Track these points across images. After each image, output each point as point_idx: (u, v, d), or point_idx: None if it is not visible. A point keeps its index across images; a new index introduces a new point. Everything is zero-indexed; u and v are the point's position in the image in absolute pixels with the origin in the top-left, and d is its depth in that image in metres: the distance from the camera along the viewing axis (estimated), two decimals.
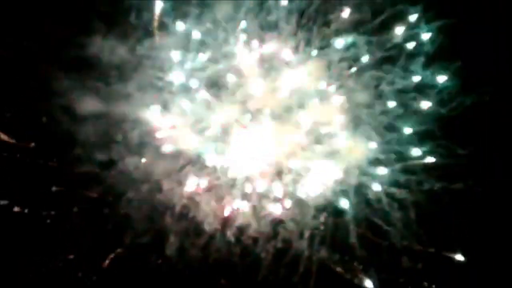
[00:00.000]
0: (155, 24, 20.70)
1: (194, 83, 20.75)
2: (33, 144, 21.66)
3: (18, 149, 21.50)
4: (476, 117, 20.93)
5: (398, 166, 21.94)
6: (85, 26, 20.33)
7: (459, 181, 21.42)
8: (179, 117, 21.07)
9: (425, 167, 21.71)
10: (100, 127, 20.92)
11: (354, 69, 21.16)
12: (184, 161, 21.66)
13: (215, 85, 21.15)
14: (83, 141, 20.94)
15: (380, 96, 21.43)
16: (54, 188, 21.58)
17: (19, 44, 20.75)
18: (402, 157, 21.86)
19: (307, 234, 22.40)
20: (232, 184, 22.02)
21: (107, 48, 20.27)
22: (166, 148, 21.34)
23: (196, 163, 21.77)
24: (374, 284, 22.27)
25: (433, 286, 22.66)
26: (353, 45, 20.81)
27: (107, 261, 21.73)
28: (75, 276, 21.80)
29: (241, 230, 22.11)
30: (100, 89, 20.72)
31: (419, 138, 21.60)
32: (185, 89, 20.99)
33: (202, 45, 20.55)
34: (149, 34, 20.64)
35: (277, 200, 22.10)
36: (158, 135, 21.25)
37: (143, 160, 21.42)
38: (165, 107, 21.03)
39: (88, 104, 20.55)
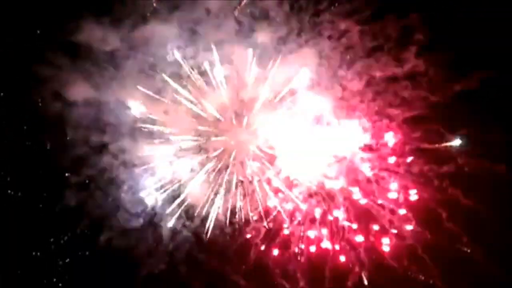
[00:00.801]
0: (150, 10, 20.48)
1: (186, 71, 20.84)
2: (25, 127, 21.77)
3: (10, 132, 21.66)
4: (466, 103, 20.92)
5: (387, 150, 22.19)
6: (78, 10, 19.98)
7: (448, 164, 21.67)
8: (172, 103, 21.18)
9: (415, 151, 21.96)
10: (92, 111, 21.01)
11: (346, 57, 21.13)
12: (178, 146, 21.98)
13: (207, 73, 21.14)
14: (75, 125, 21.08)
15: (372, 84, 21.51)
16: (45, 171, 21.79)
17: (11, 28, 20.49)
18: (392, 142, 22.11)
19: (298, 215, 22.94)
20: (226, 168, 22.43)
21: (101, 34, 20.13)
22: (159, 133, 21.61)
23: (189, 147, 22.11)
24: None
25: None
26: (345, 34, 20.70)
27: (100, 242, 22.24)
28: (66, 258, 22.68)
29: (233, 212, 22.74)
30: (93, 74, 20.69)
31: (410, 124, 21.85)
32: (178, 76, 21.11)
33: (194, 33, 20.46)
34: (143, 20, 20.40)
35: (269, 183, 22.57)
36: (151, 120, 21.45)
37: (135, 144, 21.62)
38: (158, 93, 21.09)
39: (81, 89, 20.60)
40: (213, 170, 22.30)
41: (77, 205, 21.43)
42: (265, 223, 22.92)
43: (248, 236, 23.19)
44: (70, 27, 19.92)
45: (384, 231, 22.74)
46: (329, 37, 20.75)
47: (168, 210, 22.41)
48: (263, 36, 20.38)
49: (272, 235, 23.28)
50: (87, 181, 21.72)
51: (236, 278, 23.04)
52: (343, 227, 22.90)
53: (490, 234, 21.31)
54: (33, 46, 20.35)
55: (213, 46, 20.31)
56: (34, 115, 21.13)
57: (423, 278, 22.60)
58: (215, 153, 22.17)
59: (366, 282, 22.96)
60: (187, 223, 22.61)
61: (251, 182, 22.50)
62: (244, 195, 22.61)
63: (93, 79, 20.68)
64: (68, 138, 21.14)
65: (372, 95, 21.63)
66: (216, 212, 22.38)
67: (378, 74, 21.24)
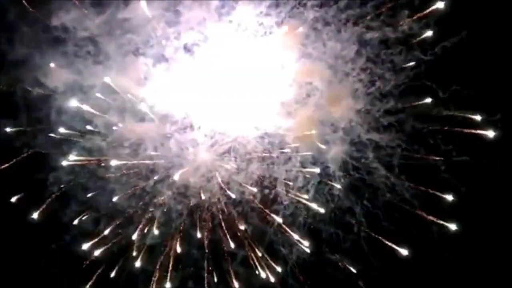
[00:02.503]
0: None
1: (169, 51, 20.49)
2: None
3: None
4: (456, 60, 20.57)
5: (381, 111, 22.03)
6: None
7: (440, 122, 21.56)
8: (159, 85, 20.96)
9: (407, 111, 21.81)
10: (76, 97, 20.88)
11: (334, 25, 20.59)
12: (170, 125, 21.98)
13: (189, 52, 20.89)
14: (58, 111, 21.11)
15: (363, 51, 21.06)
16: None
17: None
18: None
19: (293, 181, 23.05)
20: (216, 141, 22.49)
21: (81, 16, 19.90)
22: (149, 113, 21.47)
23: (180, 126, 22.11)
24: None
25: None
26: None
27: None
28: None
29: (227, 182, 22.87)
30: (75, 60, 20.62)
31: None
32: (162, 58, 20.86)
33: (176, 14, 19.99)
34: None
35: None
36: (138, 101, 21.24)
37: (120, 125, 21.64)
38: (144, 75, 21.00)
39: (62, 74, 20.54)
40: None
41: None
42: None
43: None
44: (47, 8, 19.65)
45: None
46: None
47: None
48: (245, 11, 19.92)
49: None
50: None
51: None
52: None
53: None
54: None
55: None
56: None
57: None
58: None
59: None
60: None
61: None
62: None
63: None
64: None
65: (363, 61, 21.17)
66: None
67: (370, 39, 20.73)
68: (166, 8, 19.67)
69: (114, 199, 22.24)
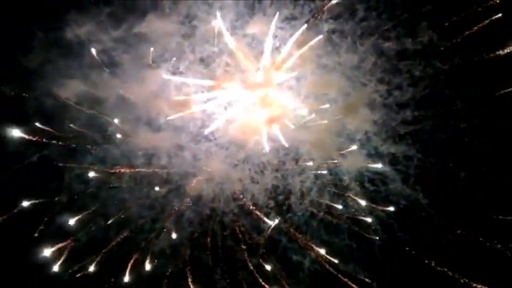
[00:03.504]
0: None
1: (185, 64, 20.85)
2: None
3: None
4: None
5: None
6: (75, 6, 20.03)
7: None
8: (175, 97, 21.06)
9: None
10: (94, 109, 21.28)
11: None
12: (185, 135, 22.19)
13: (206, 63, 21.17)
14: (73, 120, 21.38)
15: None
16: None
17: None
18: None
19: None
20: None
21: (99, 30, 20.22)
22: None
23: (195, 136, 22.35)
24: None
25: None
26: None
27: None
28: None
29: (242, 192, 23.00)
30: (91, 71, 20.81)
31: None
32: (177, 70, 21.12)
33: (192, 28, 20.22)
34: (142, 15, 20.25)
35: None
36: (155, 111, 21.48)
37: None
38: (161, 88, 21.12)
39: (77, 85, 20.81)
40: None
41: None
42: None
43: None
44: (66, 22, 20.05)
45: None
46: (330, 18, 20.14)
47: None
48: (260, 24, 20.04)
49: None
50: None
51: None
52: None
53: None
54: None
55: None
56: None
57: None
58: None
59: None
60: None
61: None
62: None
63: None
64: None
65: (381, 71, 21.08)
66: None
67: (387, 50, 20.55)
68: (182, 22, 19.95)
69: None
